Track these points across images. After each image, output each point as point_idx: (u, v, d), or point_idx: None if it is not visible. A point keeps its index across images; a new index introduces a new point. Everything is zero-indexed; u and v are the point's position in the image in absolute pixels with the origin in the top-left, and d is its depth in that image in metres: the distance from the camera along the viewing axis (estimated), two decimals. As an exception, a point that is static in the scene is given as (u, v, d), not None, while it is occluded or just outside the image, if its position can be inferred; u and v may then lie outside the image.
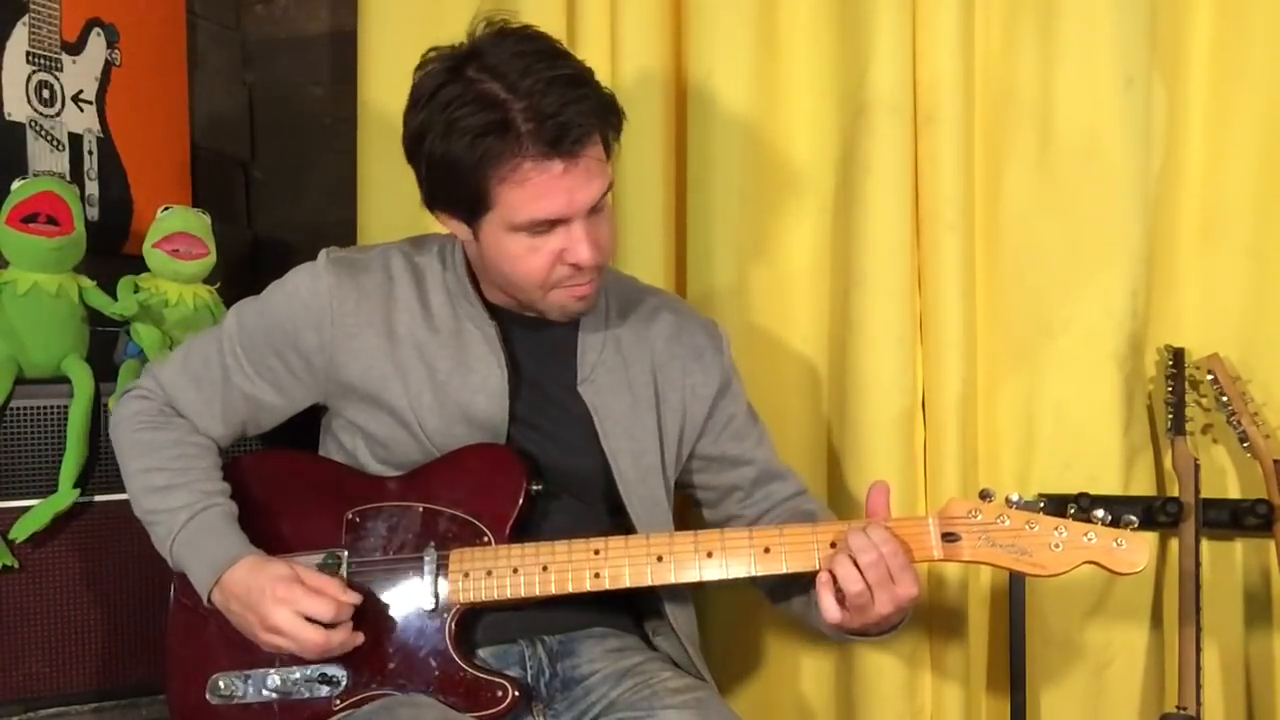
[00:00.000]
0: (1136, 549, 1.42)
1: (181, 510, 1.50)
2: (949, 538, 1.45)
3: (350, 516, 1.53)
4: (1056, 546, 1.42)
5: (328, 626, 1.44)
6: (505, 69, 1.40)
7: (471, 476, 1.52)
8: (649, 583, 1.48)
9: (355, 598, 1.46)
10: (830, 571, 1.42)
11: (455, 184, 1.44)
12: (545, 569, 1.47)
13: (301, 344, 1.55)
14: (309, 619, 1.43)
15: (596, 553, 1.48)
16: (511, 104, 1.38)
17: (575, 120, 1.39)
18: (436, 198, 1.50)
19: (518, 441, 1.55)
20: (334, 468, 1.61)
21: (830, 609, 1.42)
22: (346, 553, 1.52)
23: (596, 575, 1.47)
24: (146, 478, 1.55)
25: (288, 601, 1.43)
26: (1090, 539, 1.42)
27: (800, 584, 1.60)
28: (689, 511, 1.81)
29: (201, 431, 1.59)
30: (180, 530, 1.50)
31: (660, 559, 1.47)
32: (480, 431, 1.54)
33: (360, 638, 1.47)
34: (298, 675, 1.49)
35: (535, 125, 1.38)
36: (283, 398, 1.59)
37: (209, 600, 1.49)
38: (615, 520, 1.60)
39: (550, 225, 1.44)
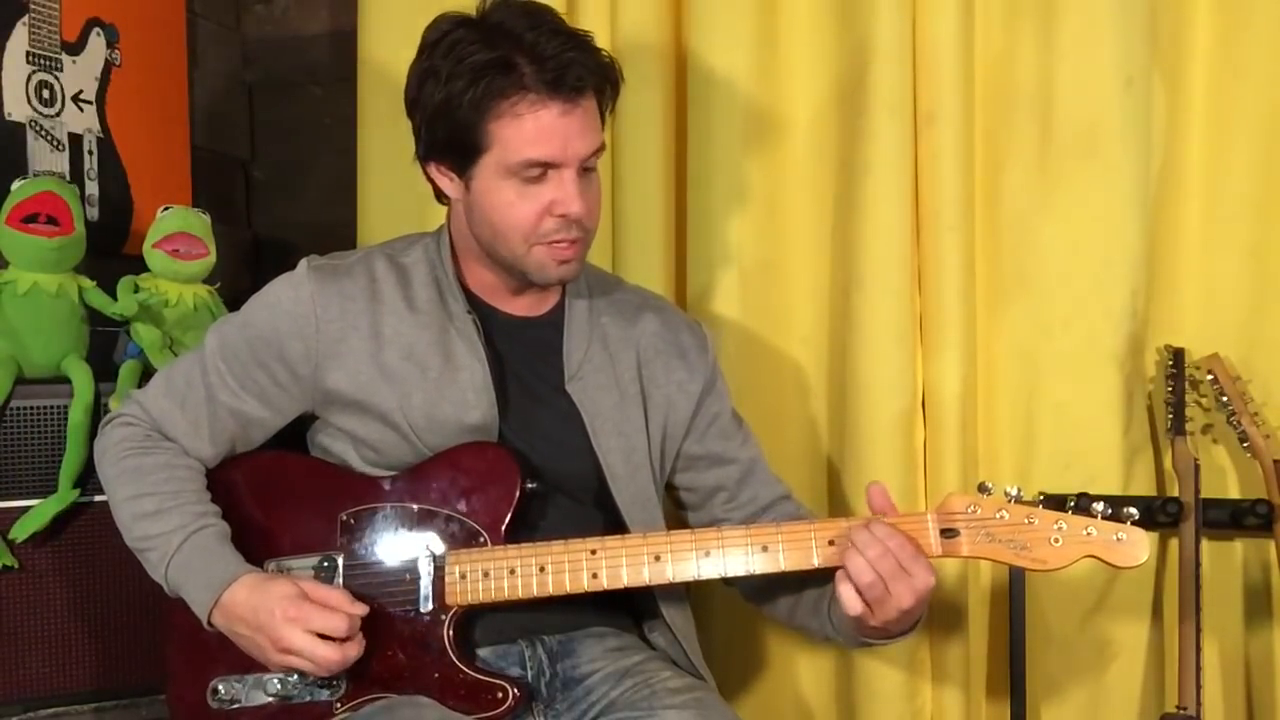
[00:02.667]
0: (1137, 543, 1.41)
1: (175, 533, 1.48)
2: (948, 533, 1.44)
3: (344, 518, 1.51)
4: (1056, 541, 1.41)
5: (341, 641, 1.42)
6: (512, 23, 1.46)
7: (467, 476, 1.51)
8: (646, 582, 1.48)
9: (363, 608, 1.45)
10: (843, 568, 1.40)
11: (454, 126, 1.47)
12: (543, 569, 1.47)
13: (287, 354, 1.53)
14: (322, 635, 1.41)
15: (594, 553, 1.47)
16: (516, 46, 1.44)
17: (576, 66, 1.44)
18: (433, 148, 1.52)
19: (509, 440, 1.55)
20: (327, 468, 1.58)
21: (851, 600, 1.40)
22: (341, 556, 1.50)
23: (594, 575, 1.47)
24: (136, 504, 1.51)
25: (299, 621, 1.40)
26: (1090, 533, 1.41)
27: (785, 585, 1.60)
28: (674, 515, 1.80)
29: (190, 454, 1.56)
30: (175, 553, 1.47)
31: (658, 558, 1.47)
32: (471, 430, 1.53)
33: (362, 647, 1.46)
34: (297, 679, 1.48)
35: (538, 65, 1.43)
36: (269, 410, 1.57)
37: (209, 623, 1.46)
38: (607, 518, 1.59)
39: (543, 171, 1.47)
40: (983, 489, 1.44)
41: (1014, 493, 1.43)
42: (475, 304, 1.59)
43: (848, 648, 1.54)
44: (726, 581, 1.67)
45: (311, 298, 1.53)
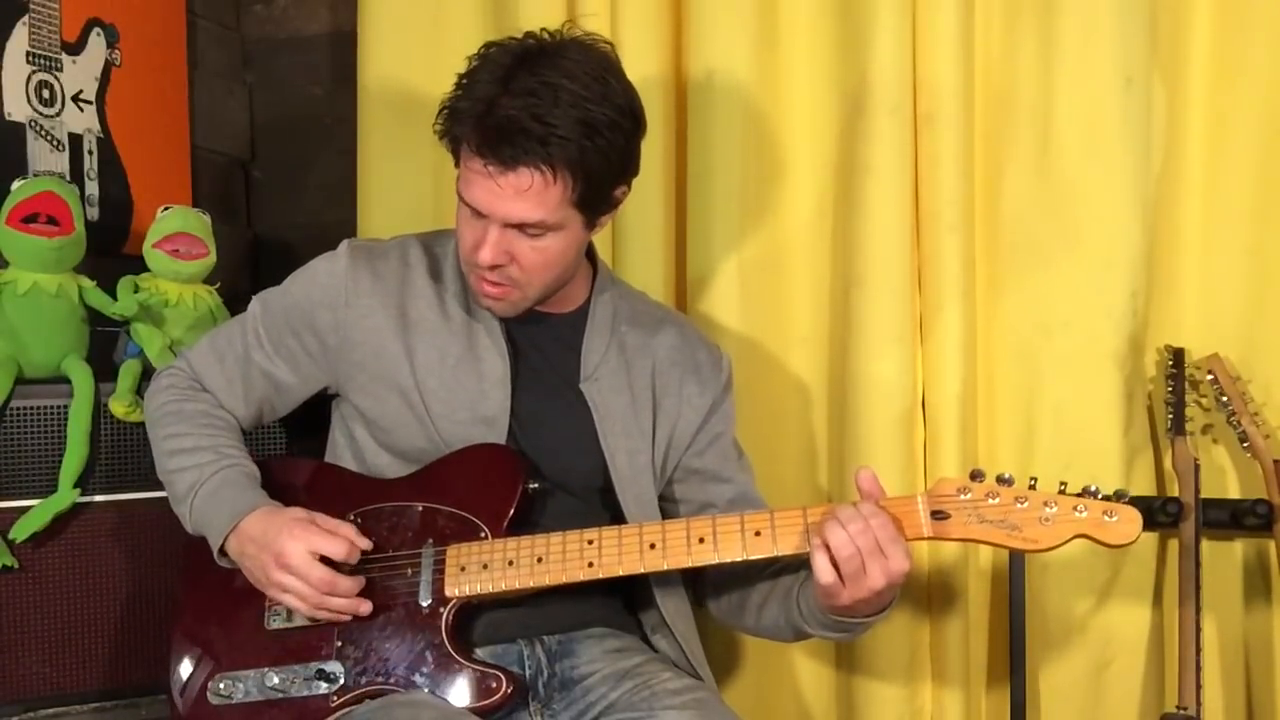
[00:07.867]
0: (1128, 520, 1.40)
1: (207, 465, 1.55)
2: (938, 515, 1.44)
3: (353, 517, 1.55)
4: (1046, 521, 1.41)
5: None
6: (492, 70, 1.45)
7: (471, 475, 1.55)
8: (642, 570, 1.49)
9: (367, 543, 1.50)
10: (822, 538, 1.41)
11: (443, 135, 1.52)
12: (540, 560, 1.48)
13: (317, 323, 1.60)
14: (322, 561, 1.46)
15: (590, 542, 1.49)
16: (493, 93, 1.44)
17: (522, 138, 1.41)
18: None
19: (518, 434, 1.58)
20: (339, 473, 1.64)
21: (825, 570, 1.40)
22: None
23: (590, 564, 1.48)
24: (174, 440, 1.60)
25: (302, 539, 1.46)
26: (1081, 512, 1.40)
27: (752, 586, 1.61)
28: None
29: (225, 408, 1.64)
30: (204, 482, 1.54)
31: (653, 546, 1.48)
32: (483, 421, 1.57)
33: (367, 606, 1.49)
34: (297, 672, 1.50)
35: (488, 121, 1.43)
36: (297, 377, 1.64)
37: (221, 550, 1.51)
38: (610, 517, 1.61)
39: (477, 210, 1.49)
40: (975, 475, 1.44)
41: (1006, 477, 1.43)
42: None
43: (812, 634, 1.53)
44: (697, 602, 1.69)
45: (345, 272, 1.60)
